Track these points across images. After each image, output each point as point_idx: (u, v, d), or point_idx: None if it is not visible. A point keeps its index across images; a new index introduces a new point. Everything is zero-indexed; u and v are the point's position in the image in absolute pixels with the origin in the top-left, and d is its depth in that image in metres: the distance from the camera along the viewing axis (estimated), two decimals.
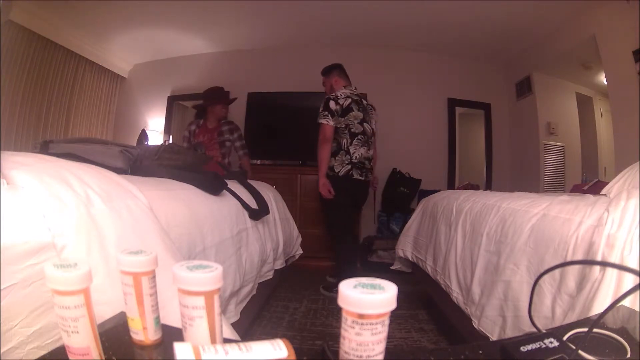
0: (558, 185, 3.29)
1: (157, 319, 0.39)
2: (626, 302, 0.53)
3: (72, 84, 3.37)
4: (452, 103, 3.68)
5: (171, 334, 0.40)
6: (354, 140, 2.17)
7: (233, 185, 1.34)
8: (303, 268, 2.66)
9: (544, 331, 0.41)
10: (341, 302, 0.27)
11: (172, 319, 0.43)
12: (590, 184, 1.76)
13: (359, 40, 3.49)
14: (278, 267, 1.64)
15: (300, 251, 2.15)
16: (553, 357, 0.35)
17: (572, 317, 0.69)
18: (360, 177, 2.21)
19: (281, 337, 0.30)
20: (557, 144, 3.36)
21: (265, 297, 1.77)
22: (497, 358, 0.38)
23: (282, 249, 1.71)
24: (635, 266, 0.62)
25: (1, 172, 0.51)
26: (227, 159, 2.65)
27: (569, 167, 3.35)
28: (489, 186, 3.61)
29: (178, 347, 0.27)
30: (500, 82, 3.78)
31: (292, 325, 1.74)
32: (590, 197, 0.94)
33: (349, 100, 2.17)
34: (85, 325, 0.32)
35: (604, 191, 1.01)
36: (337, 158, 2.18)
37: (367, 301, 0.26)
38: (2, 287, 0.42)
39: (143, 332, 0.38)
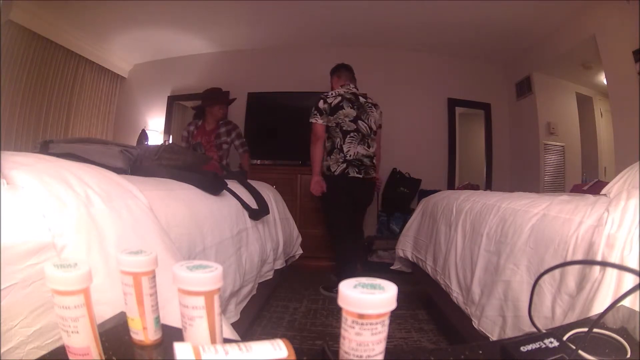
0: (558, 185, 3.29)
1: (157, 319, 0.39)
2: (626, 302, 0.53)
3: (72, 84, 3.37)
4: (452, 103, 3.68)
5: (171, 334, 0.40)
6: (347, 138, 2.16)
7: (233, 185, 1.34)
8: (303, 268, 2.66)
9: (544, 331, 0.41)
10: (341, 302, 0.27)
11: (172, 319, 0.43)
12: (590, 184, 1.76)
13: (359, 40, 3.49)
14: (278, 267, 1.64)
15: (300, 251, 2.15)
16: (553, 357, 0.35)
17: (572, 317, 0.69)
18: (358, 175, 2.17)
19: (281, 337, 0.30)
20: (557, 144, 3.36)
21: (265, 297, 1.77)
22: (497, 358, 0.38)
23: (282, 249, 1.71)
24: (635, 266, 0.62)
25: (1, 172, 0.51)
26: (224, 161, 2.65)
27: (569, 167, 3.35)
28: (489, 186, 3.61)
29: (178, 347, 0.27)
30: (500, 82, 3.78)
31: (292, 325, 1.74)
32: (590, 197, 0.94)
33: (339, 98, 2.17)
34: (85, 325, 0.32)
35: (604, 191, 1.01)
36: (332, 157, 2.18)
37: (367, 301, 0.26)
38: (2, 287, 0.42)
39: (143, 332, 0.38)
